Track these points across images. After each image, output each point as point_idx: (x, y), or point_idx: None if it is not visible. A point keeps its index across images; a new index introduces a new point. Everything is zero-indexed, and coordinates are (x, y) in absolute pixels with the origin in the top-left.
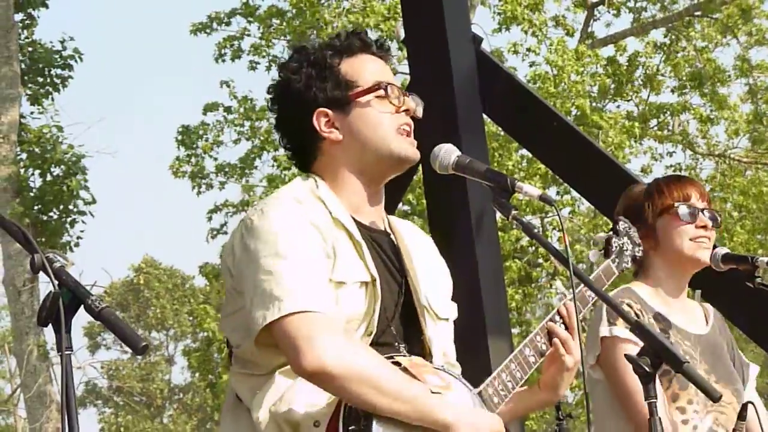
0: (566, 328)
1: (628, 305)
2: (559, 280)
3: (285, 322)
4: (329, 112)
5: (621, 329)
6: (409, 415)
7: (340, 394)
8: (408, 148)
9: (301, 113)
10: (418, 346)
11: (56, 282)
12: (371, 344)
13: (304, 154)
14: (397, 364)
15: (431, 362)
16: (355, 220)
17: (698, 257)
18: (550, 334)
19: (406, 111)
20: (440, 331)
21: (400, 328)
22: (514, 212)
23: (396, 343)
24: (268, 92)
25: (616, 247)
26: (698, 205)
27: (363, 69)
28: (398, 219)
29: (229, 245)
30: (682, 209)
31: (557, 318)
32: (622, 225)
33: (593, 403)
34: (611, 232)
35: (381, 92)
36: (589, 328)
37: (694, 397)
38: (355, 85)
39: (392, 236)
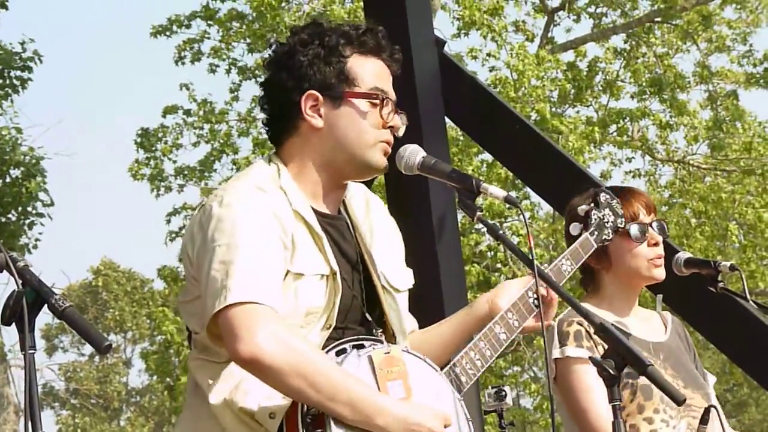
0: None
1: (579, 324)
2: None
3: (229, 312)
4: (320, 97)
5: (572, 348)
6: (347, 416)
7: (275, 386)
8: (382, 160)
9: (294, 86)
10: (382, 327)
11: (20, 281)
12: (342, 334)
13: (280, 126)
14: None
15: (395, 343)
16: (314, 210)
17: (656, 276)
18: (543, 298)
19: (391, 128)
20: (402, 303)
21: (367, 306)
22: (479, 213)
23: (373, 330)
24: (271, 52)
25: (595, 219)
26: (646, 220)
27: (368, 71)
28: (351, 189)
29: (189, 231)
30: (633, 230)
31: (532, 293)
32: (604, 197)
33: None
34: (591, 205)
35: (376, 101)
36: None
37: (659, 405)
38: (354, 83)
39: (347, 219)
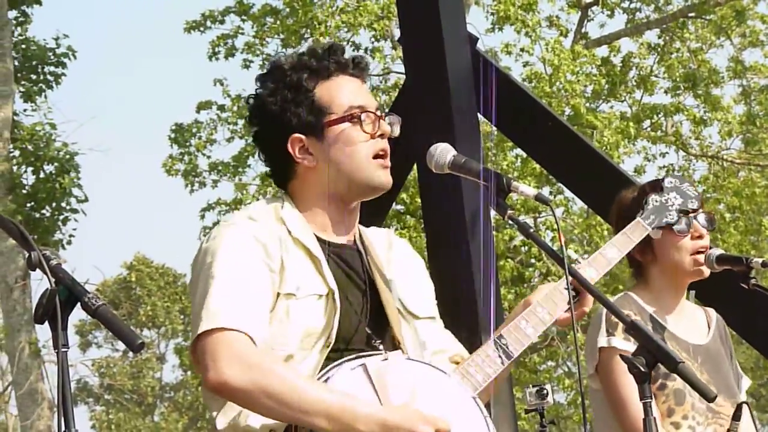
0: (576, 295)
1: (635, 307)
2: (572, 250)
3: (198, 343)
4: (303, 138)
5: (619, 340)
6: (326, 428)
7: (247, 407)
8: (381, 176)
9: (277, 137)
10: (392, 347)
11: (53, 279)
12: (342, 350)
13: (279, 173)
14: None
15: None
16: (319, 238)
17: (699, 272)
18: (578, 291)
19: (381, 135)
20: (426, 329)
21: (374, 330)
22: (510, 212)
23: (373, 341)
24: (247, 107)
25: (653, 203)
26: (696, 215)
27: (338, 93)
28: (373, 229)
29: (192, 263)
30: (678, 225)
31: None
32: (669, 181)
33: (592, 412)
34: (656, 190)
35: (356, 119)
36: (588, 337)
37: (689, 411)
38: (328, 111)
39: (360, 248)
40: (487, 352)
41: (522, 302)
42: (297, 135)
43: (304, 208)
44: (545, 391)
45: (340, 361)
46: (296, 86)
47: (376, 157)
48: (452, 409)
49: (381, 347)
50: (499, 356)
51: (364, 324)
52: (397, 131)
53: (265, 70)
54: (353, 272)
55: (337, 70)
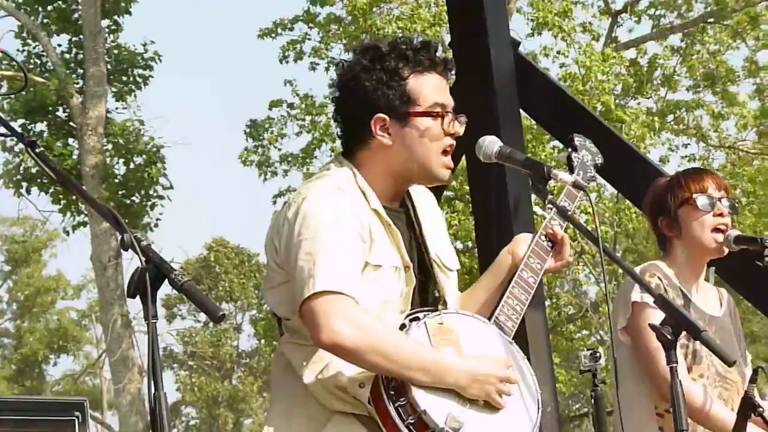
0: (553, 245)
1: (659, 279)
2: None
3: (312, 302)
4: (387, 118)
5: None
6: (423, 380)
7: (356, 363)
8: (445, 173)
9: (363, 111)
10: (434, 299)
11: (143, 259)
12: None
13: (352, 140)
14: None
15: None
16: (385, 208)
17: (719, 250)
18: (553, 238)
19: (453, 134)
20: (450, 281)
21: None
22: (549, 197)
23: (431, 301)
24: (337, 74)
25: (577, 161)
26: (715, 194)
27: (426, 88)
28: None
29: (275, 224)
30: (701, 200)
31: (544, 237)
32: (577, 140)
33: (617, 344)
34: (569, 150)
35: (438, 116)
36: (620, 292)
37: (705, 371)
38: (416, 102)
39: (410, 210)
40: (510, 304)
41: (503, 253)
42: (381, 115)
43: (367, 174)
44: (598, 354)
45: (404, 321)
46: (392, 71)
47: (444, 153)
48: (504, 352)
49: (433, 304)
50: (519, 304)
51: (419, 284)
52: (462, 131)
53: (361, 47)
54: (409, 236)
55: (430, 66)
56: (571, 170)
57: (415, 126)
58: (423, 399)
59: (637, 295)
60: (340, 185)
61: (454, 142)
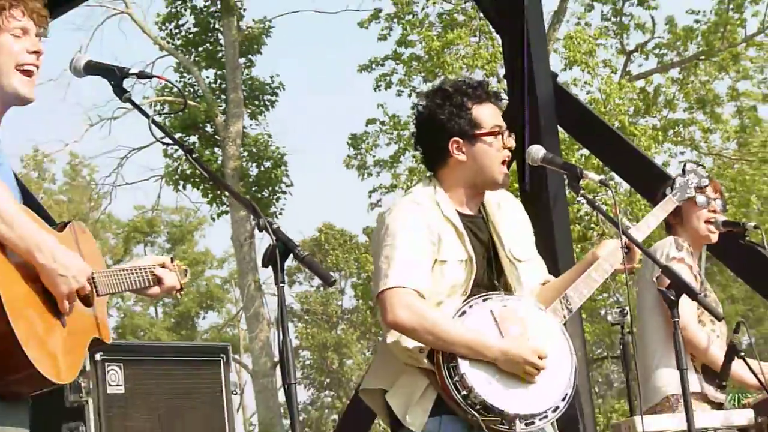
0: (628, 251)
1: (683, 242)
2: (624, 219)
3: (383, 293)
4: (460, 141)
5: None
6: (466, 354)
7: (414, 339)
8: (504, 179)
9: (441, 137)
10: (504, 287)
11: (274, 237)
12: (475, 293)
13: (433, 160)
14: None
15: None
16: (459, 213)
17: (709, 238)
18: (628, 246)
19: (508, 148)
20: (524, 269)
21: (494, 275)
22: (582, 191)
23: (495, 285)
24: (415, 115)
25: (679, 185)
26: (711, 195)
27: (487, 115)
28: (488, 194)
29: (374, 231)
30: (700, 199)
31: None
32: (689, 166)
33: (641, 301)
34: (680, 173)
35: (497, 135)
36: (659, 249)
37: (709, 325)
38: (480, 126)
39: (485, 215)
40: (568, 294)
41: (589, 253)
42: (456, 138)
43: (448, 188)
44: (625, 311)
45: (470, 302)
46: (459, 105)
47: (503, 163)
48: (549, 337)
49: (499, 289)
50: (578, 296)
51: (488, 273)
52: (514, 144)
53: (431, 91)
54: (481, 235)
55: (486, 98)
56: (671, 190)
57: (481, 144)
58: (465, 367)
59: (675, 252)
60: (418, 200)
61: (510, 154)
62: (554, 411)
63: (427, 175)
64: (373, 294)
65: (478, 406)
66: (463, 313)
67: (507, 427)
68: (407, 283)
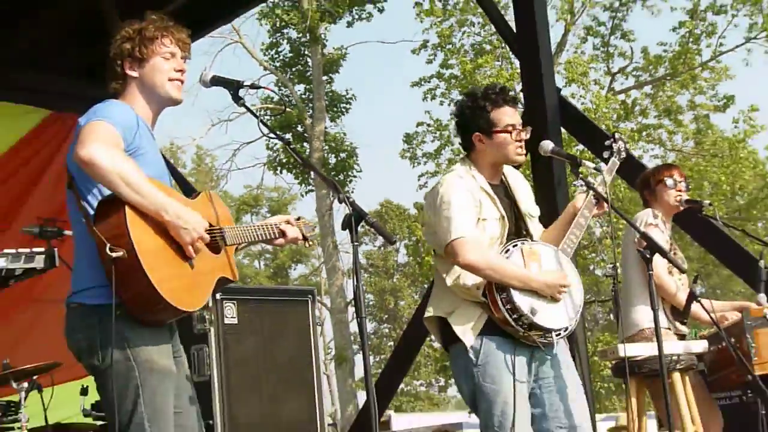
0: (597, 201)
1: (656, 215)
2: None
3: (452, 243)
4: (481, 135)
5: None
6: (517, 285)
7: (477, 275)
8: (520, 158)
9: (468, 128)
10: (526, 236)
11: (351, 208)
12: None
13: (465, 148)
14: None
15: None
16: (490, 184)
17: (677, 210)
18: (597, 196)
19: (521, 140)
20: (535, 224)
21: (520, 228)
22: (581, 175)
23: (524, 235)
24: (454, 111)
25: (617, 149)
26: (677, 179)
27: (503, 116)
28: (508, 169)
29: (429, 198)
30: (669, 181)
31: (593, 196)
32: (618, 135)
33: (624, 258)
34: (611, 142)
35: (510, 132)
36: (640, 216)
37: (676, 275)
38: (496, 125)
39: (506, 184)
40: (570, 237)
41: (570, 205)
42: (477, 133)
43: (479, 167)
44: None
45: (508, 247)
46: (482, 107)
47: (519, 150)
48: (568, 269)
49: (525, 237)
50: (575, 237)
51: (513, 226)
52: (527, 136)
53: (465, 93)
54: (507, 199)
55: (502, 102)
56: (611, 155)
57: (498, 138)
58: (516, 295)
59: (652, 219)
60: (461, 175)
61: (524, 142)
62: (574, 322)
63: (462, 156)
64: (438, 245)
65: (526, 325)
66: (508, 253)
67: (545, 340)
68: (467, 234)
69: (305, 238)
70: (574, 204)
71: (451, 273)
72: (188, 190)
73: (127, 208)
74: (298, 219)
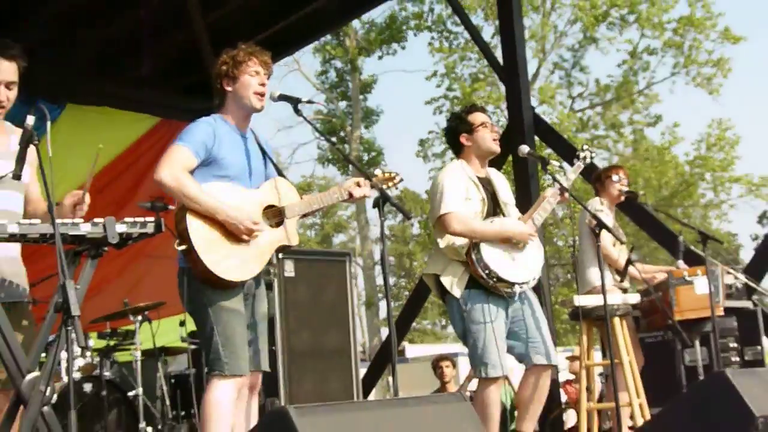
0: (561, 193)
1: (602, 202)
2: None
3: (442, 216)
4: (466, 135)
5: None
6: (490, 237)
7: (466, 238)
8: (497, 148)
9: (456, 134)
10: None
11: (380, 193)
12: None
13: (455, 147)
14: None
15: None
16: (477, 176)
17: (619, 198)
18: (561, 190)
19: (496, 132)
20: (511, 210)
21: (495, 212)
22: (548, 172)
23: (498, 215)
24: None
25: (581, 156)
26: (621, 176)
27: (477, 118)
28: (490, 169)
29: (432, 184)
30: (614, 177)
31: (558, 188)
32: (585, 146)
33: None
34: (580, 151)
35: (487, 126)
36: (583, 214)
37: (618, 246)
38: (474, 123)
39: (489, 179)
40: (539, 213)
41: (541, 195)
42: (463, 134)
43: (468, 161)
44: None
45: (491, 218)
46: (461, 117)
47: (494, 140)
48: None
49: (500, 215)
50: (542, 214)
51: (493, 208)
52: (500, 132)
53: (450, 116)
54: (489, 188)
55: (475, 110)
56: (578, 160)
57: (477, 133)
58: (486, 256)
59: (598, 205)
60: (454, 167)
61: (498, 135)
62: (534, 279)
63: (453, 158)
64: (433, 218)
65: (494, 278)
66: (492, 221)
67: (511, 289)
68: (454, 209)
69: (390, 183)
70: (543, 194)
71: (443, 239)
72: (281, 170)
73: (188, 217)
74: (370, 178)
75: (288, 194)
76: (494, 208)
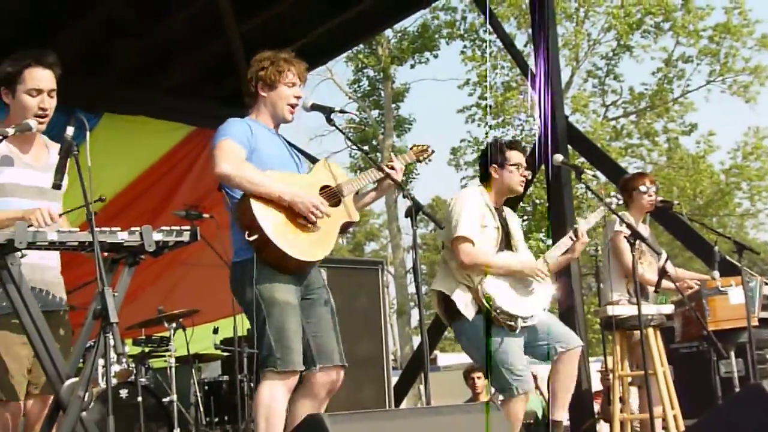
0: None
1: (621, 223)
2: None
3: (457, 239)
4: (496, 167)
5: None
6: (500, 272)
7: (474, 270)
8: (521, 189)
9: (488, 162)
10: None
11: (412, 202)
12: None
13: (483, 178)
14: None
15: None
16: (494, 207)
17: (651, 208)
18: (576, 234)
19: (524, 176)
20: (520, 246)
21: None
22: (582, 181)
23: (510, 248)
24: (483, 149)
25: (609, 201)
26: (649, 185)
27: (513, 156)
28: (507, 210)
29: (449, 203)
30: (642, 187)
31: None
32: (613, 194)
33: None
34: (608, 197)
35: (519, 166)
36: (608, 223)
37: (645, 261)
38: (508, 161)
39: (503, 216)
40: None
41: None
42: (494, 165)
43: (489, 190)
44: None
45: (500, 253)
46: (500, 148)
47: (520, 183)
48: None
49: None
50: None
51: (505, 241)
52: (529, 176)
53: (492, 140)
54: (501, 221)
55: (515, 147)
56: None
57: (507, 170)
58: (490, 287)
59: (617, 226)
60: (473, 191)
61: (525, 179)
62: (538, 314)
63: (478, 184)
64: (447, 238)
65: (498, 309)
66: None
67: (513, 323)
68: (468, 235)
69: (419, 160)
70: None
71: (453, 261)
72: (313, 159)
73: (252, 203)
74: (399, 156)
75: (338, 173)
76: (507, 240)
